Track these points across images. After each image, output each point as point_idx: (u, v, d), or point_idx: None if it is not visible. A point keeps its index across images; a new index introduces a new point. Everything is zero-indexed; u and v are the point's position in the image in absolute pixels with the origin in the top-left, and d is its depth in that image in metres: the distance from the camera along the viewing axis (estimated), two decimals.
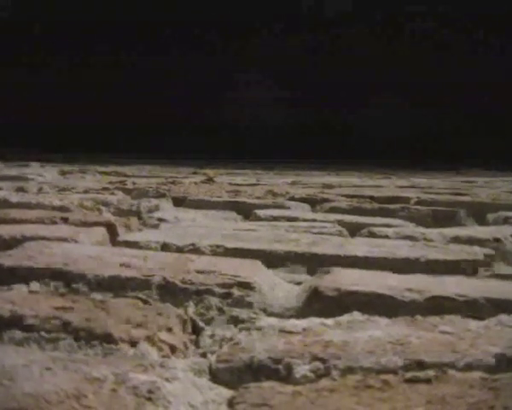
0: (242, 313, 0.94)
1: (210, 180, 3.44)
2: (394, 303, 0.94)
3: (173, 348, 0.80)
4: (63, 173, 4.26)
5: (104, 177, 3.94)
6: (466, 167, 6.90)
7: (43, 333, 0.75)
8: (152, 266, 1.05)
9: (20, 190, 2.41)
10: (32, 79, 6.95)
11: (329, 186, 3.54)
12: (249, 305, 0.96)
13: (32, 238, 1.23)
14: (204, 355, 0.81)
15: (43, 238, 1.23)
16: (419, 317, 0.88)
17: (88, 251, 1.12)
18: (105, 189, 2.66)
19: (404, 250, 1.32)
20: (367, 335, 0.80)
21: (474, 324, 0.85)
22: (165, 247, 1.28)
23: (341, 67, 6.47)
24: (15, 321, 0.77)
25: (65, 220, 1.50)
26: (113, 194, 2.40)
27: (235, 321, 0.93)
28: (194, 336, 0.88)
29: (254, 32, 6.69)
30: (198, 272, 1.04)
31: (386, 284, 1.00)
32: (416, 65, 6.41)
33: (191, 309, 0.94)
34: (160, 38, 6.85)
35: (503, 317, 0.88)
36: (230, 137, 6.76)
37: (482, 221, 2.13)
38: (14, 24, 6.89)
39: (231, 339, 0.85)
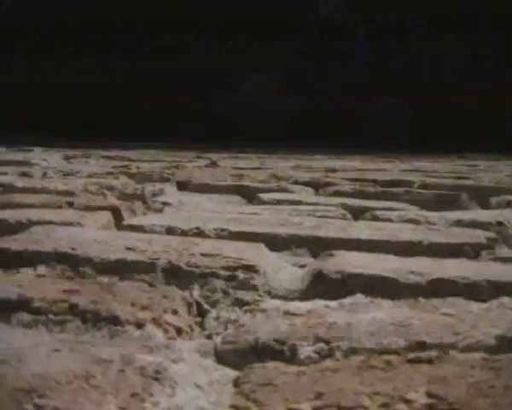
0: (247, 296, 0.95)
1: (214, 164, 3.45)
2: (397, 285, 0.95)
3: (179, 330, 0.81)
4: (67, 158, 4.27)
5: (108, 161, 3.95)
6: (469, 151, 6.89)
7: (50, 316, 0.76)
8: (157, 249, 1.06)
9: (25, 175, 2.42)
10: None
11: (332, 170, 3.54)
12: (254, 287, 0.97)
13: (39, 222, 1.24)
14: (209, 337, 0.82)
15: (50, 222, 1.24)
16: (421, 299, 0.89)
17: (94, 235, 1.14)
18: (109, 173, 2.67)
19: (407, 233, 1.33)
20: (370, 316, 0.81)
21: (475, 306, 0.86)
22: (169, 230, 1.29)
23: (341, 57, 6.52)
24: (23, 304, 0.78)
25: (70, 204, 1.51)
26: (117, 178, 2.41)
27: (240, 303, 0.94)
28: (199, 319, 0.89)
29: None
30: (203, 255, 1.05)
31: (390, 267, 1.01)
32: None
33: (196, 292, 0.95)
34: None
35: (505, 299, 0.89)
36: (232, 123, 6.77)
37: (485, 205, 2.14)
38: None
39: (236, 321, 0.86)
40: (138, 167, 3.19)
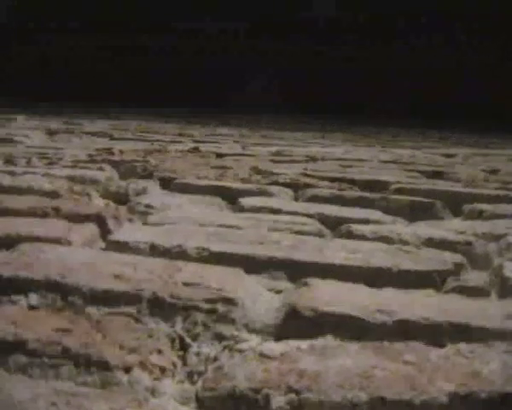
0: (226, 330, 1.02)
1: (196, 149, 3.50)
2: (365, 326, 1.03)
3: (163, 370, 0.88)
4: (50, 134, 4.30)
5: (90, 140, 3.99)
6: (449, 129, 7.01)
7: (45, 359, 0.83)
8: (142, 276, 1.13)
9: (10, 162, 2.46)
10: None
11: (313, 159, 3.61)
12: (232, 321, 1.05)
13: (28, 239, 1.30)
14: (191, 375, 0.89)
15: (38, 239, 1.30)
16: (386, 343, 0.97)
17: (82, 257, 1.20)
18: (93, 161, 2.72)
19: (378, 258, 1.40)
20: (338, 364, 0.88)
21: (434, 353, 0.94)
22: (153, 249, 1.35)
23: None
24: (19, 345, 0.85)
25: (56, 211, 1.56)
26: (100, 169, 2.47)
27: (219, 338, 1.01)
28: (182, 352, 0.97)
29: None
30: (185, 284, 1.12)
31: (359, 303, 1.09)
32: None
33: (179, 325, 1.02)
34: None
35: (462, 346, 0.97)
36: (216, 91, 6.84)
37: (458, 213, 2.22)
38: None
39: (216, 359, 0.94)
40: (121, 151, 3.24)
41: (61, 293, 1.05)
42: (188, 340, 1.00)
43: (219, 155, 3.49)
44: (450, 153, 4.71)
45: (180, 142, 4.29)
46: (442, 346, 0.98)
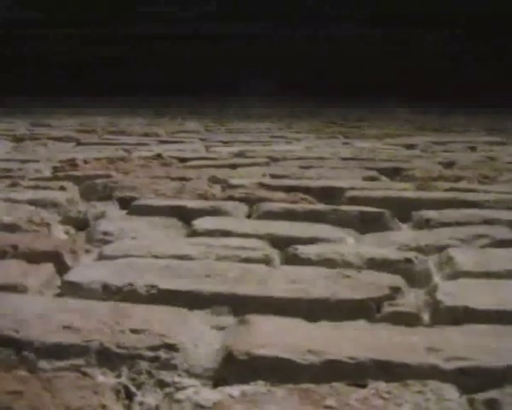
0: (168, 377, 1.12)
1: (159, 156, 3.58)
2: (295, 368, 1.12)
3: None
4: (17, 141, 4.35)
5: (56, 149, 4.04)
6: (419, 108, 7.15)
7: None
8: (91, 326, 1.21)
9: None
10: None
11: (274, 159, 3.70)
12: (174, 367, 1.14)
13: None
14: None
15: None
16: (312, 386, 1.07)
17: (35, 307, 1.28)
18: (55, 177, 2.79)
19: (318, 286, 1.50)
20: None
21: (355, 396, 1.04)
22: (105, 288, 1.44)
23: None
24: None
25: (15, 249, 1.65)
26: (62, 188, 2.54)
27: (162, 385, 1.10)
28: (127, 401, 1.06)
29: None
30: (132, 331, 1.21)
31: (292, 343, 1.18)
32: None
33: (125, 374, 1.11)
34: None
35: (382, 386, 1.07)
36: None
37: (407, 219, 2.33)
38: None
39: (157, 408, 1.03)
40: (85, 162, 3.31)
41: (15, 348, 1.13)
42: (133, 389, 1.09)
43: (182, 160, 3.57)
44: (411, 143, 4.82)
45: (145, 144, 4.36)
46: (364, 386, 1.08)
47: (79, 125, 5.54)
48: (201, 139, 4.78)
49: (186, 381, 1.11)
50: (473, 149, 4.51)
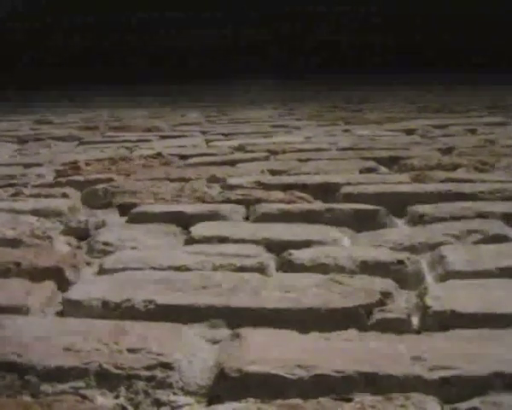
0: (163, 395, 1.17)
1: (159, 155, 3.62)
2: (284, 383, 1.17)
3: None
4: (21, 143, 4.40)
5: (58, 150, 4.09)
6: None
7: None
8: (90, 346, 1.27)
9: None
10: None
11: (274, 152, 3.74)
12: (170, 385, 1.19)
13: None
14: None
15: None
16: (300, 402, 1.12)
17: (37, 329, 1.34)
18: (57, 183, 2.84)
19: (310, 295, 1.55)
20: None
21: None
22: (104, 306, 1.50)
23: None
24: None
25: (18, 266, 1.70)
26: (64, 195, 2.59)
27: (158, 404, 1.16)
28: None
29: None
30: (129, 350, 1.26)
31: (283, 357, 1.24)
32: None
33: (123, 394, 1.17)
34: None
35: (367, 399, 1.12)
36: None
37: (402, 214, 2.37)
38: None
39: None
40: (87, 164, 3.36)
41: (18, 373, 1.19)
42: (130, 409, 1.14)
43: (183, 157, 3.62)
44: (411, 127, 4.85)
45: (146, 140, 4.40)
46: (349, 400, 1.13)
47: (82, 122, 5.58)
48: (203, 132, 4.82)
49: (181, 399, 1.17)
50: (473, 131, 4.54)
